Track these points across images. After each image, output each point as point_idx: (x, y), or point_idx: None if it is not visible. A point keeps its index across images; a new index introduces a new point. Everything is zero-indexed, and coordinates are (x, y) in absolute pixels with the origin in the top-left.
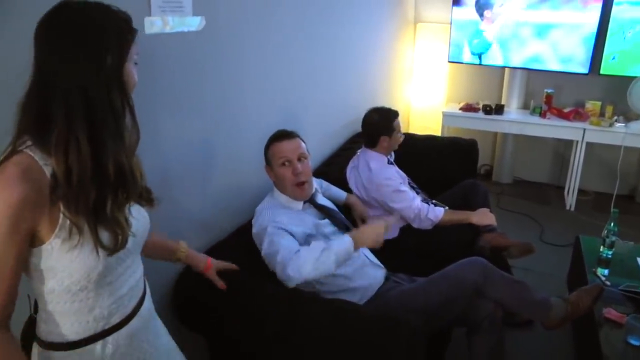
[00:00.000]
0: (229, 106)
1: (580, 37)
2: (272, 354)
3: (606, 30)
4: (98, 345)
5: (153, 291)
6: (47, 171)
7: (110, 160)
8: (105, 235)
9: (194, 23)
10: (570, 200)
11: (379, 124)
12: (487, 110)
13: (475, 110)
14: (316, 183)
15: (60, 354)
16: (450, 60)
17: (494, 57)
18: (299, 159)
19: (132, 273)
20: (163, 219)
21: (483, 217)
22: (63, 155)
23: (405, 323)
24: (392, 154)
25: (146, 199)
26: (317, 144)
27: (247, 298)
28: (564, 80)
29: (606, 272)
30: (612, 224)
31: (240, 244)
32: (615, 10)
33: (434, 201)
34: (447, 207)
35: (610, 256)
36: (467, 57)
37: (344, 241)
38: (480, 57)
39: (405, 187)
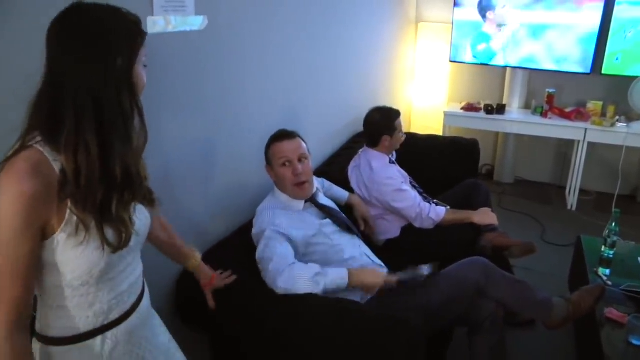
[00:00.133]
0: (231, 106)
1: (580, 37)
2: (272, 353)
3: (608, 29)
4: (97, 341)
5: (154, 291)
6: (56, 167)
7: (117, 162)
8: (110, 233)
9: (196, 22)
10: (572, 200)
11: (381, 123)
12: (489, 110)
13: (477, 110)
14: (318, 183)
15: (61, 349)
16: (451, 59)
17: (496, 57)
18: (300, 160)
19: (133, 270)
20: (164, 218)
21: (484, 216)
22: (72, 155)
23: (406, 323)
24: (394, 153)
25: (148, 199)
26: (318, 144)
27: (247, 298)
28: (565, 80)
29: (607, 272)
30: (613, 224)
31: (241, 243)
32: (615, 10)
33: (435, 201)
34: (448, 207)
35: (611, 256)
36: (468, 57)
37: (340, 273)
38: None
39: (407, 187)
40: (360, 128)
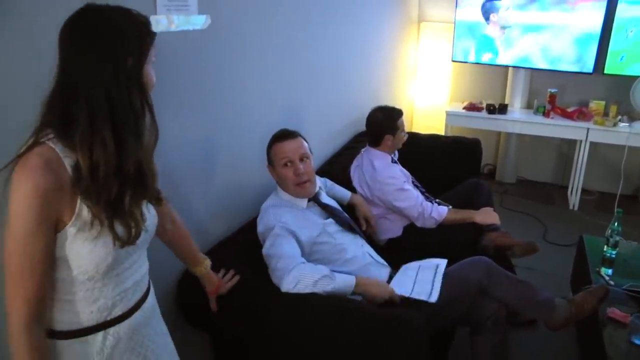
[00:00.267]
0: (231, 105)
1: (582, 36)
2: (275, 352)
3: (610, 29)
4: (99, 336)
5: (157, 289)
6: (67, 163)
7: (130, 157)
8: (120, 228)
9: (199, 21)
10: (574, 200)
11: (383, 122)
12: (491, 109)
13: (479, 109)
14: (320, 182)
15: (62, 343)
16: (454, 59)
17: (498, 57)
18: (301, 159)
19: (138, 268)
20: (179, 218)
21: (487, 216)
22: (88, 152)
23: (409, 322)
24: (396, 152)
25: (156, 198)
26: (319, 143)
27: (249, 297)
28: (567, 79)
29: (610, 272)
30: (615, 224)
31: (242, 242)
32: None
33: (437, 200)
34: (450, 206)
35: (614, 256)
36: (470, 56)
37: (348, 280)
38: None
39: (409, 186)
40: (362, 127)
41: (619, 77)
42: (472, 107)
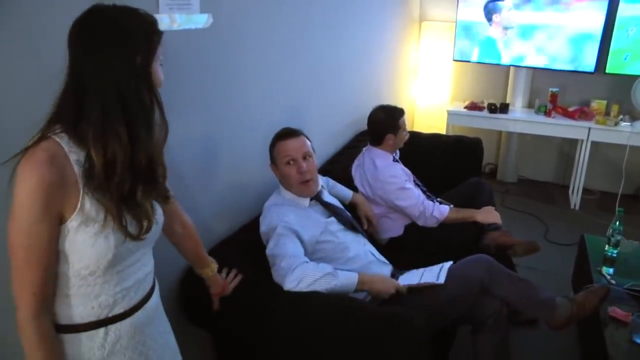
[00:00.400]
0: (234, 104)
1: (583, 36)
2: (276, 351)
3: (612, 28)
4: (100, 332)
5: (159, 288)
6: (72, 158)
7: (142, 151)
8: (131, 222)
9: (201, 20)
10: (575, 199)
11: (385, 121)
12: (492, 109)
13: (480, 109)
14: (322, 181)
15: (64, 337)
16: (455, 58)
17: (499, 57)
18: (304, 158)
19: (141, 266)
20: (188, 218)
21: (488, 215)
22: (102, 149)
23: (410, 321)
24: (397, 152)
25: (163, 196)
26: (321, 142)
27: (251, 296)
28: (569, 78)
29: (611, 271)
30: (617, 223)
31: (244, 241)
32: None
33: (438, 199)
34: (452, 205)
35: (615, 255)
36: (472, 56)
37: (351, 277)
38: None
39: (411, 185)
40: (364, 127)
41: (621, 76)
42: (473, 107)
